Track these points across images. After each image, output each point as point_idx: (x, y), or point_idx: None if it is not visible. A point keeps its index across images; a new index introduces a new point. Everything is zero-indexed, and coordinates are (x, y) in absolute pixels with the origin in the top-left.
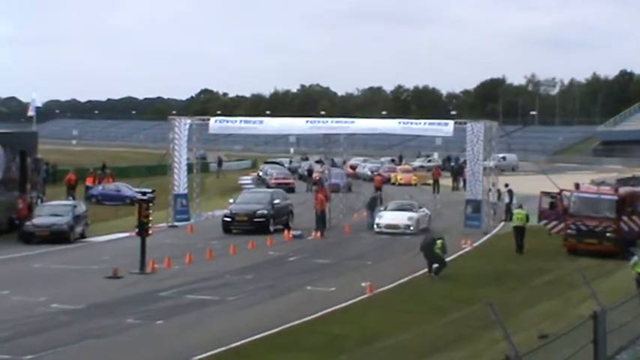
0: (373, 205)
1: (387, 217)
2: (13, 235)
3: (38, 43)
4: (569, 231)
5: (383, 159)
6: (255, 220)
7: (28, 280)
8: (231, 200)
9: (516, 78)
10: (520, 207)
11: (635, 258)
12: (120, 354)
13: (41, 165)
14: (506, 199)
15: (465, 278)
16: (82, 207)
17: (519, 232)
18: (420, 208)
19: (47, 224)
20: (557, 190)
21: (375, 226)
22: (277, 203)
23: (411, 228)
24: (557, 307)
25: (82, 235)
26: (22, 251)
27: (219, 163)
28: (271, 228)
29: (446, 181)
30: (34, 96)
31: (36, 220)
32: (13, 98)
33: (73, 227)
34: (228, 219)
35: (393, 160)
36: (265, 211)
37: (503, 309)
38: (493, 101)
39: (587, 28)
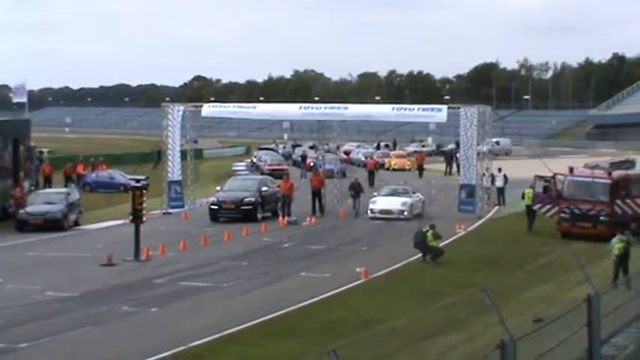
0: (357, 192)
1: (380, 203)
2: (6, 223)
3: (31, 30)
4: (562, 215)
5: (376, 144)
6: (243, 207)
7: (23, 268)
8: (218, 188)
9: (509, 62)
10: (531, 187)
11: (613, 241)
12: (116, 341)
13: (34, 153)
14: (500, 184)
15: (459, 263)
16: (75, 195)
17: (531, 210)
18: (414, 193)
19: (41, 212)
20: (550, 174)
21: (368, 211)
22: (265, 190)
23: (405, 213)
24: (551, 290)
25: (76, 223)
26: (16, 239)
27: (159, 154)
28: (259, 216)
29: (440, 165)
30: (25, 81)
31: (30, 208)
32: (4, 86)
33: (66, 215)
34: (215, 207)
35: (386, 146)
36: (253, 199)
37: (497, 293)
38: (487, 86)
39: (580, 12)
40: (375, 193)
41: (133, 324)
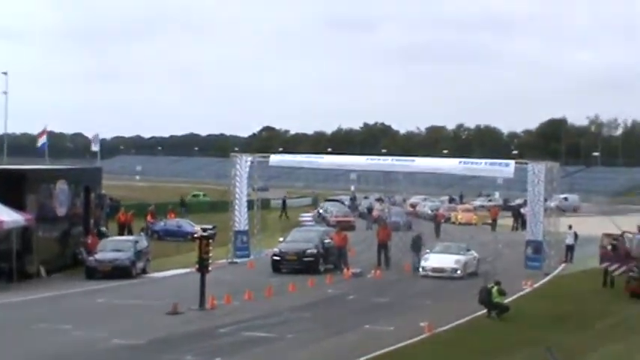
0: (418, 246)
1: (432, 260)
2: (77, 269)
3: (104, 79)
4: (631, 274)
5: (442, 198)
6: (305, 259)
7: (90, 315)
8: (281, 239)
9: (578, 118)
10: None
11: None
12: None
13: (104, 201)
14: (570, 241)
15: (525, 319)
16: (143, 242)
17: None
18: (468, 250)
19: (110, 259)
20: (619, 232)
21: (420, 269)
22: (328, 242)
23: (458, 272)
24: (620, 351)
25: (144, 271)
26: (85, 286)
27: (182, 203)
28: (321, 268)
29: (507, 220)
30: (98, 132)
31: (99, 256)
32: (79, 134)
33: (134, 263)
34: (277, 258)
35: (452, 200)
36: (315, 251)
37: (565, 352)
38: (555, 141)
39: None
40: (428, 250)
41: None
